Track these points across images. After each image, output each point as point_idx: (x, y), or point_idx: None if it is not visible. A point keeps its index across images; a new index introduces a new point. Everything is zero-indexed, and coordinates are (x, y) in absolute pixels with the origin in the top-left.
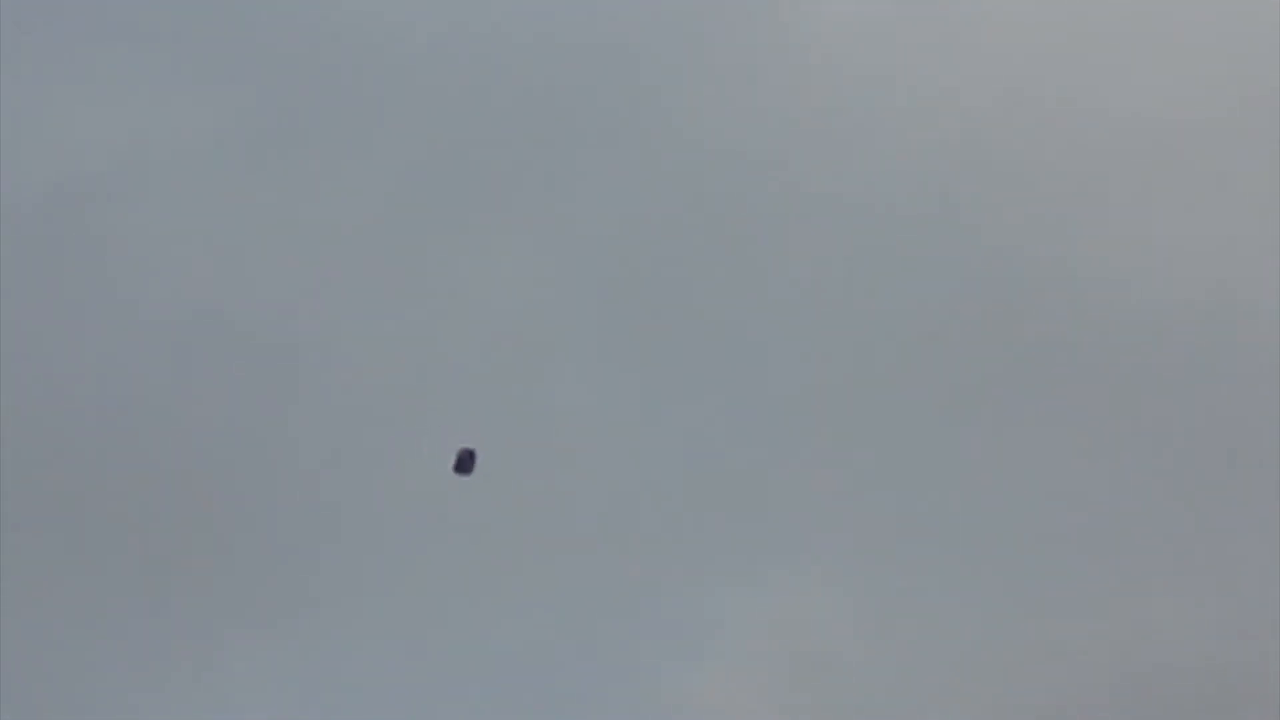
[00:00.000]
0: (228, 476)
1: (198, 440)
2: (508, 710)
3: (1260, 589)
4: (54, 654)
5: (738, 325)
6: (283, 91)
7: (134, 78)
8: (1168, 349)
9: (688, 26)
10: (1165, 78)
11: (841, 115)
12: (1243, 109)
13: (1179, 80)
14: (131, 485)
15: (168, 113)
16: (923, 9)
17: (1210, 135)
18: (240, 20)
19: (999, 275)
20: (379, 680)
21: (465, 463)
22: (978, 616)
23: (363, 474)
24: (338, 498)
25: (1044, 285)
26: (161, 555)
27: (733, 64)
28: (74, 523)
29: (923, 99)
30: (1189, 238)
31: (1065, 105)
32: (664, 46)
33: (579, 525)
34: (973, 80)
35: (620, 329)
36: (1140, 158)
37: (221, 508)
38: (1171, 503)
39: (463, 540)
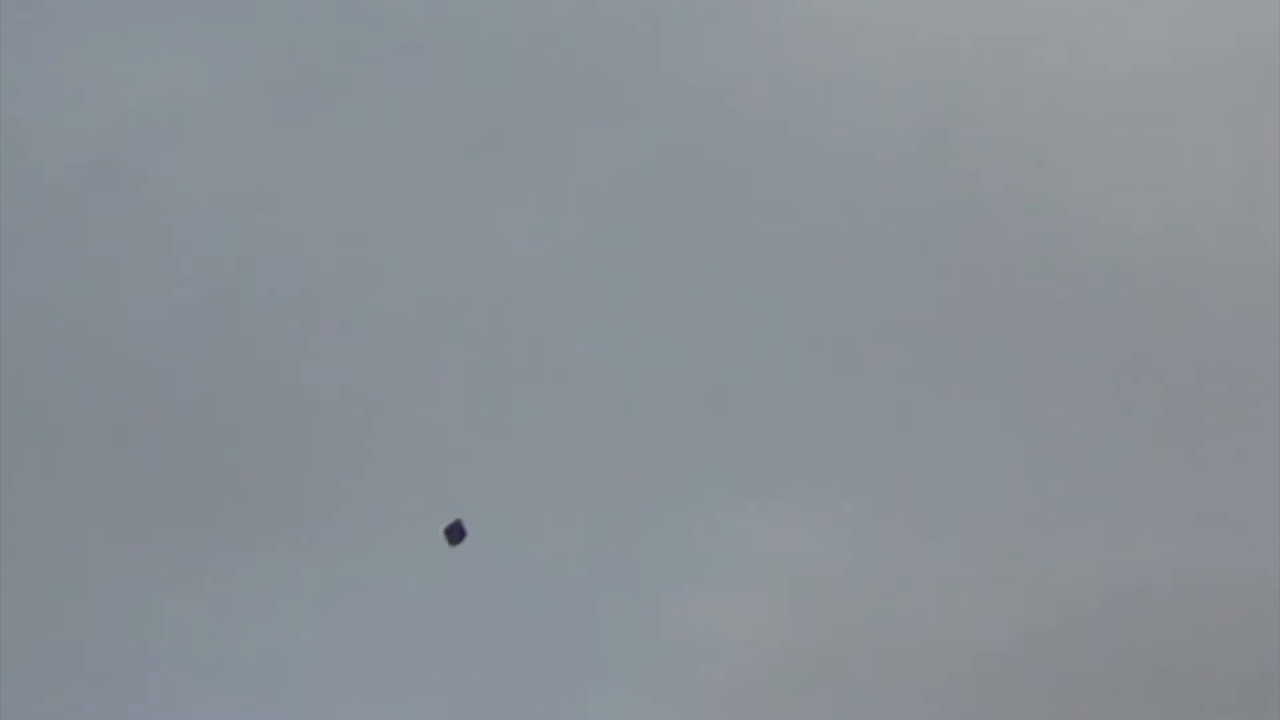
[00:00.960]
0: (256, 407)
1: (231, 373)
2: (512, 631)
3: (1236, 512)
4: (83, 575)
5: (736, 265)
6: (311, 48)
7: (170, 37)
8: (1149, 283)
9: None
10: (1159, 21)
11: (838, 60)
12: (1241, 53)
13: (1174, 24)
14: (165, 416)
15: (201, 69)
16: None
17: (1199, 79)
18: None
19: (986, 213)
20: (386, 602)
21: (454, 533)
22: (967, 539)
23: (382, 406)
24: (359, 428)
25: (1029, 223)
26: (192, 483)
27: (729, 12)
28: (110, 453)
29: (912, 43)
30: (1172, 182)
31: (1057, 47)
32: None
33: (587, 456)
34: (962, 25)
35: (627, 273)
36: (1129, 101)
37: (250, 438)
38: (1152, 429)
39: (473, 471)
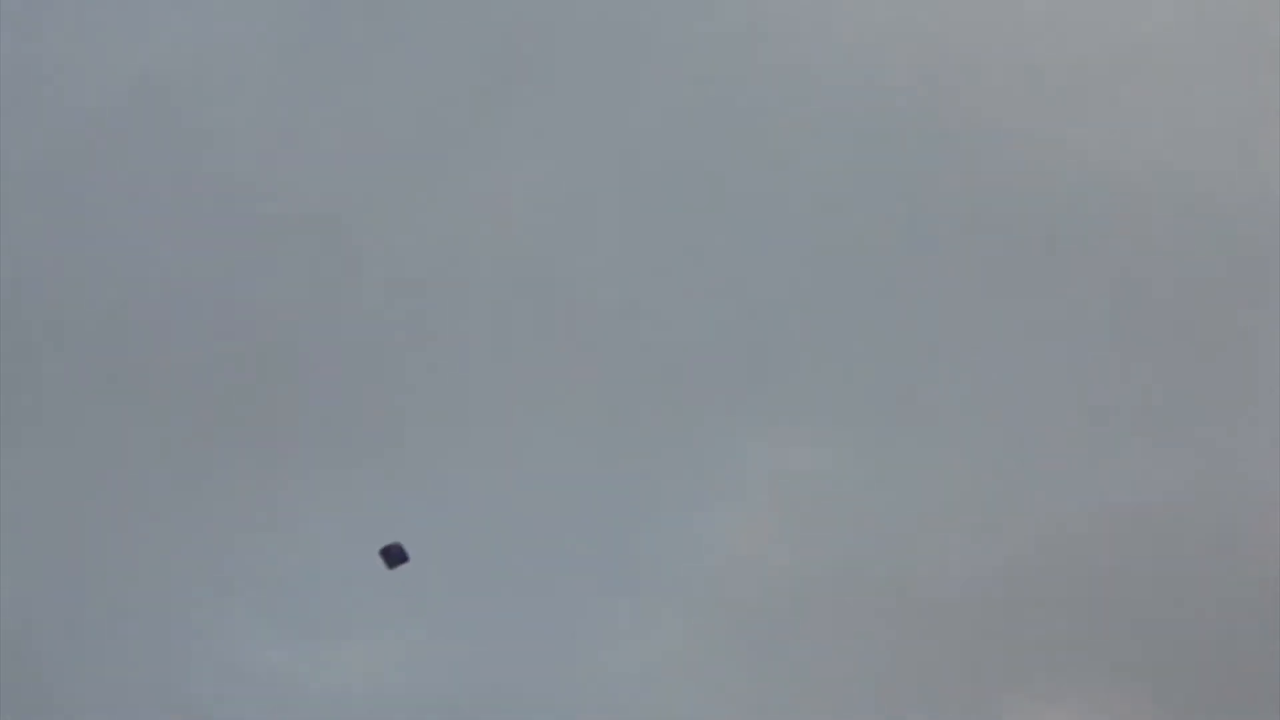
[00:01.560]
0: (284, 335)
1: (259, 301)
2: (531, 549)
3: (1227, 437)
4: (118, 495)
5: (745, 205)
6: None
7: None
8: (1144, 213)
9: None
10: None
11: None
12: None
13: None
14: (197, 340)
15: (234, 10)
16: None
17: (1193, 21)
18: None
19: (985, 149)
20: (410, 522)
21: (394, 556)
22: (964, 463)
23: (406, 333)
24: (385, 354)
25: (1028, 158)
26: (221, 404)
27: None
28: (145, 375)
29: None
30: (1166, 116)
31: None
32: None
33: (604, 386)
34: None
35: (641, 211)
36: (1125, 44)
37: (280, 363)
38: (1146, 357)
39: (493, 398)
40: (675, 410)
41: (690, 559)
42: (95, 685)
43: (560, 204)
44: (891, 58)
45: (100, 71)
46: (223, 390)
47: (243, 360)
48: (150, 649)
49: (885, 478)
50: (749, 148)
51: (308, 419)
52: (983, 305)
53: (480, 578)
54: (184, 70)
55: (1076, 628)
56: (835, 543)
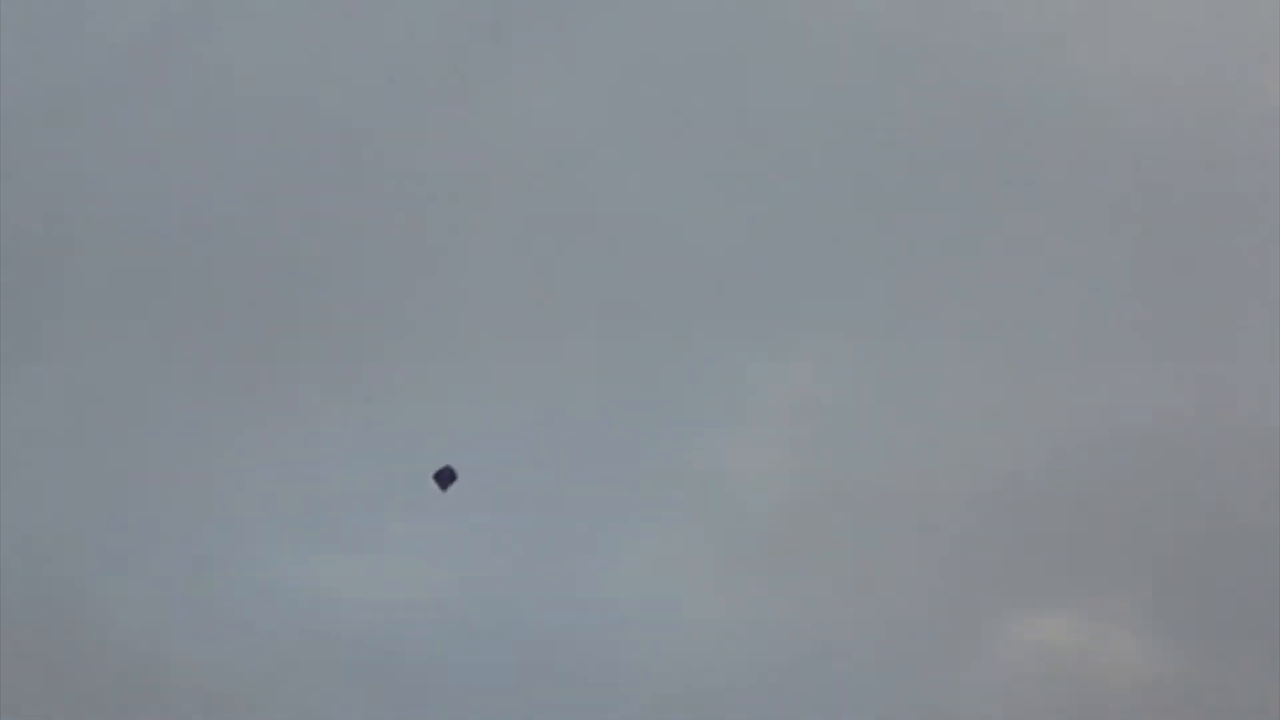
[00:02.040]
0: (312, 256)
1: (287, 227)
2: (549, 467)
3: (1229, 356)
4: (161, 414)
5: (753, 132)
6: None
7: None
8: (1148, 132)
9: None
10: None
11: None
12: None
13: None
14: (228, 264)
15: None
16: None
17: None
18: None
19: (988, 71)
20: (430, 438)
21: (444, 478)
22: (969, 382)
23: (425, 256)
24: (404, 276)
25: (1031, 81)
26: (252, 325)
27: None
28: (187, 301)
29: None
30: (1165, 32)
31: None
32: None
33: (621, 304)
34: None
35: (653, 139)
36: None
37: (306, 284)
38: (1151, 277)
39: (511, 320)
40: (683, 330)
41: (697, 474)
42: (129, 599)
43: (572, 128)
44: None
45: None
46: (249, 308)
47: (268, 278)
48: (182, 563)
49: (887, 396)
50: (755, 70)
51: (331, 336)
52: (984, 229)
53: (495, 492)
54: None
55: (1075, 540)
56: (838, 459)
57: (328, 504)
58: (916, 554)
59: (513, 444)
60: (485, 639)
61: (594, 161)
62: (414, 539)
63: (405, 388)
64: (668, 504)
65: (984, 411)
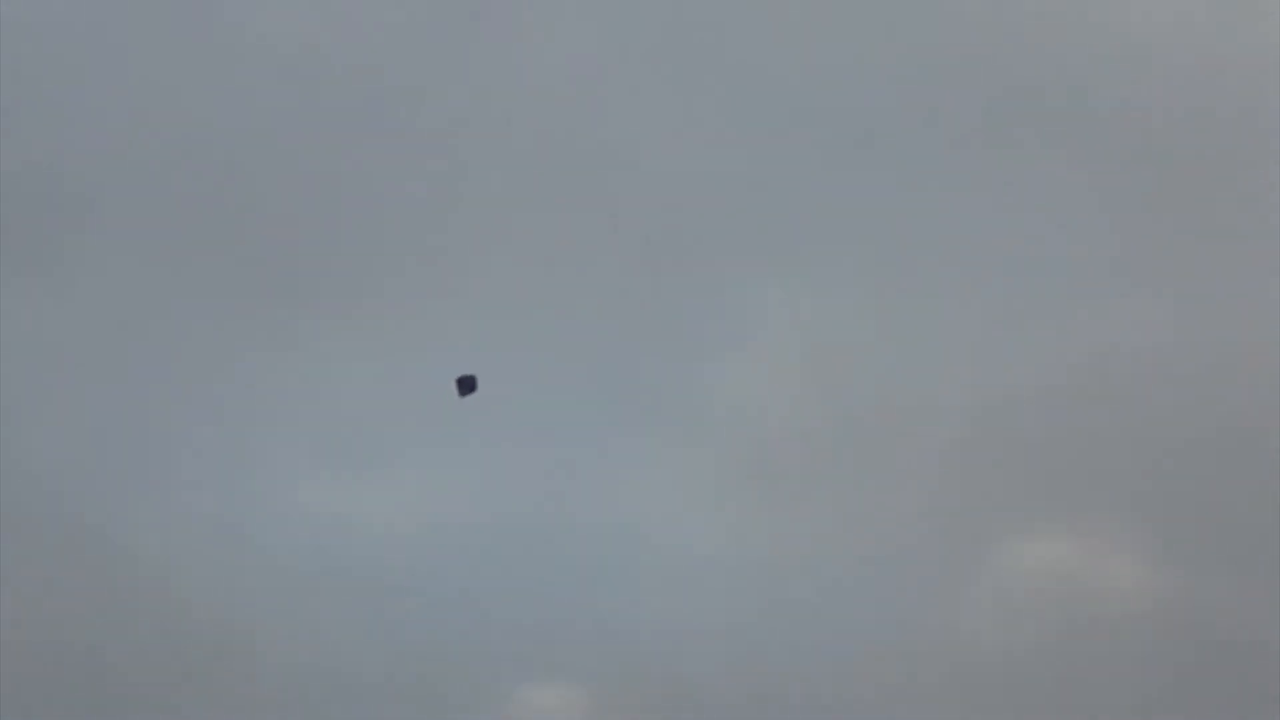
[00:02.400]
0: (327, 195)
1: (306, 166)
2: (559, 393)
3: (1220, 289)
4: (182, 343)
5: (763, 72)
6: None
7: None
8: (1156, 85)
9: None
10: None
11: None
12: None
13: None
14: (250, 201)
15: None
16: None
17: None
18: None
19: (995, 15)
20: (444, 363)
21: (466, 385)
22: (968, 314)
23: (439, 193)
24: (419, 211)
25: (1034, 22)
26: (274, 260)
27: None
28: (202, 231)
29: None
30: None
31: None
32: None
33: (629, 240)
34: None
35: (666, 75)
36: None
37: (324, 222)
38: (1144, 211)
39: (525, 252)
40: (691, 261)
41: (704, 398)
42: (151, 523)
43: (584, 63)
44: None
45: None
46: (271, 241)
47: (289, 210)
48: (203, 488)
49: (888, 324)
50: (765, 8)
51: (350, 265)
52: (980, 164)
53: (508, 419)
54: None
55: (1070, 464)
56: (841, 384)
57: (345, 431)
58: (916, 476)
59: (525, 372)
60: (499, 560)
61: (605, 96)
62: (429, 464)
63: (422, 317)
64: (675, 427)
65: (981, 338)
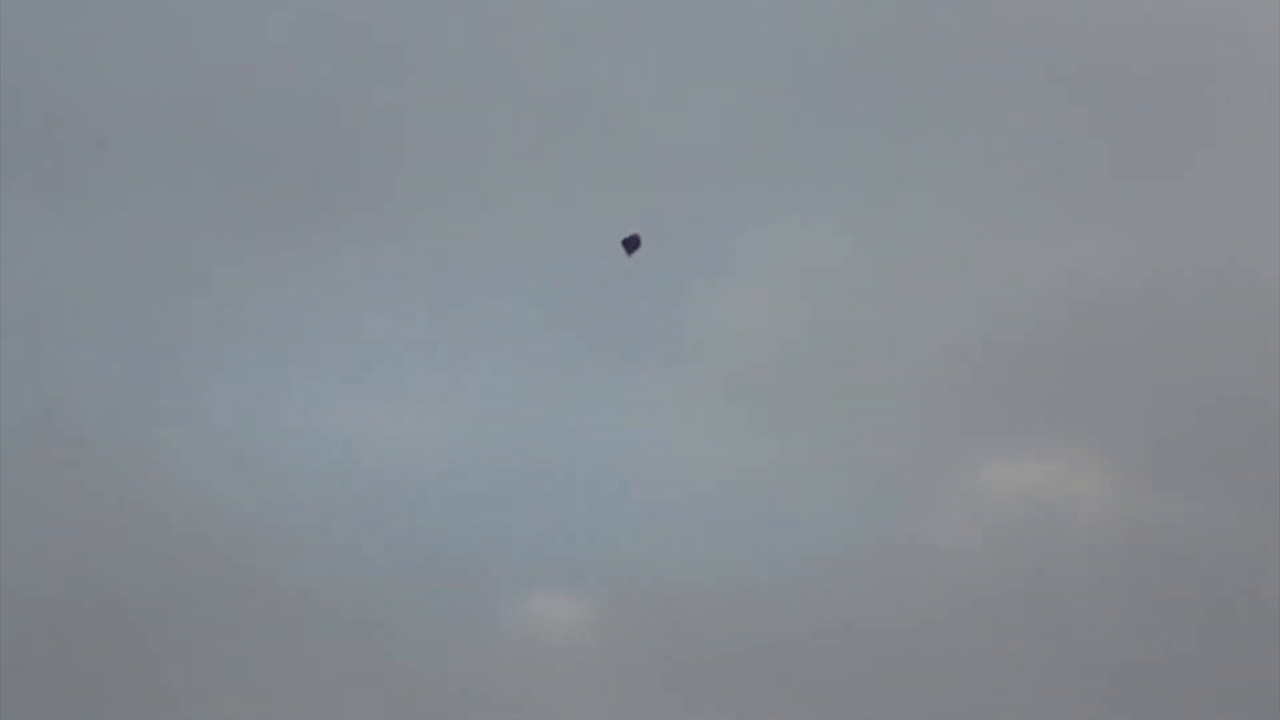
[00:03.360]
0: (341, 135)
1: (323, 109)
2: (557, 323)
3: (1189, 223)
4: (204, 277)
5: (756, 21)
6: None
7: None
8: (1111, 46)
9: None
10: None
11: None
12: None
13: None
14: (272, 138)
15: None
16: None
17: None
18: None
19: None
20: (449, 300)
21: (631, 244)
22: (949, 248)
23: (452, 131)
24: (428, 152)
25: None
26: (292, 198)
27: None
28: (226, 167)
29: None
30: None
31: None
32: None
33: (623, 174)
34: None
35: (662, 17)
36: None
37: (342, 152)
38: (1113, 149)
39: (524, 190)
40: (683, 200)
41: (697, 329)
42: (180, 446)
43: (581, 14)
44: None
45: None
46: (291, 179)
47: (307, 149)
48: (227, 412)
49: (871, 257)
50: None
51: (365, 203)
52: (959, 104)
53: (513, 347)
54: None
55: (1046, 390)
56: (826, 314)
57: (361, 359)
58: (899, 401)
59: (528, 304)
60: (504, 479)
61: (599, 44)
62: (440, 391)
63: (432, 256)
64: (669, 353)
65: (961, 270)
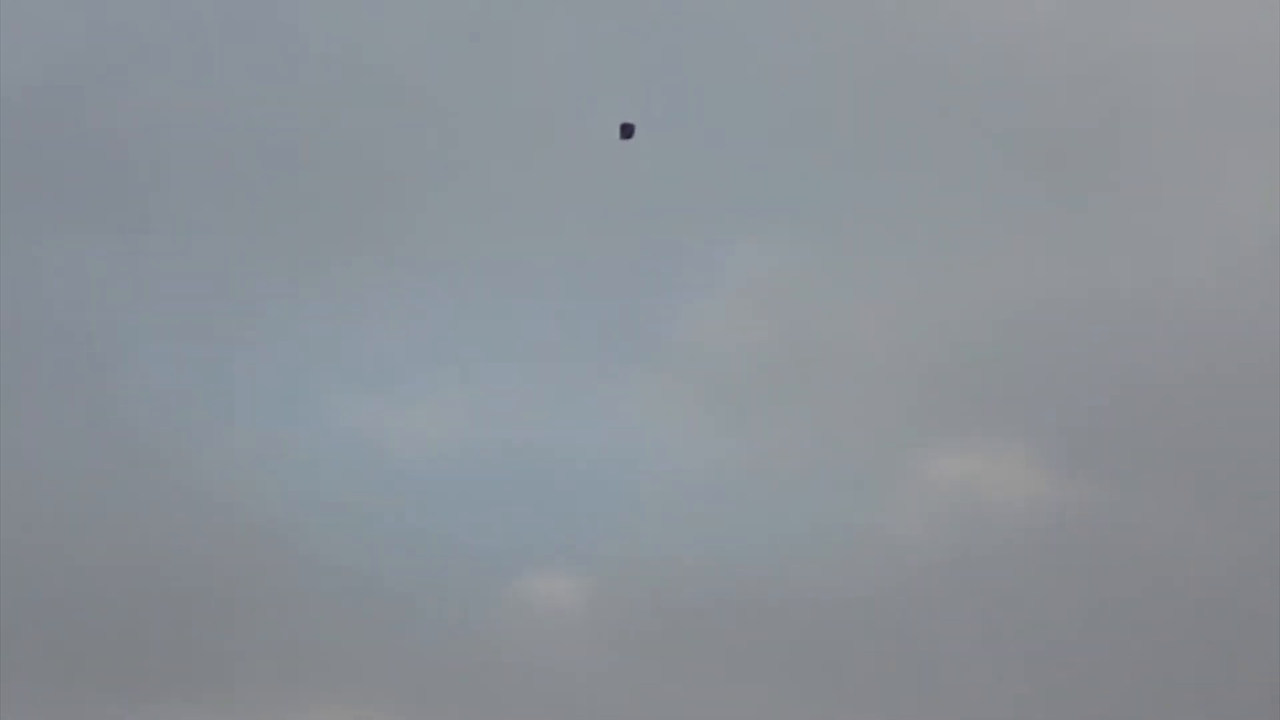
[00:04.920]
0: (368, 164)
1: (354, 140)
2: (554, 330)
3: (1118, 245)
4: (242, 292)
5: (730, 63)
6: None
7: None
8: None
9: None
10: None
11: None
12: None
13: None
14: (302, 175)
15: None
16: None
17: None
18: None
19: (916, 32)
20: (461, 311)
21: (626, 131)
22: (899, 269)
23: (458, 167)
24: (441, 181)
25: (948, 36)
26: (320, 223)
27: None
28: (264, 200)
29: None
30: None
31: None
32: None
33: (618, 195)
34: None
35: (650, 65)
36: None
37: (363, 187)
38: (1048, 181)
39: (526, 216)
40: (668, 221)
41: (679, 337)
42: (222, 444)
43: (580, 60)
44: None
45: None
46: (321, 209)
47: (333, 185)
48: (266, 414)
49: (833, 274)
50: (729, 11)
51: (384, 232)
52: (906, 149)
53: (516, 355)
54: None
55: (986, 389)
56: (793, 324)
57: (381, 365)
58: (853, 403)
59: (531, 319)
60: (507, 471)
61: (598, 90)
62: (448, 393)
63: (443, 272)
64: (656, 361)
65: (906, 288)
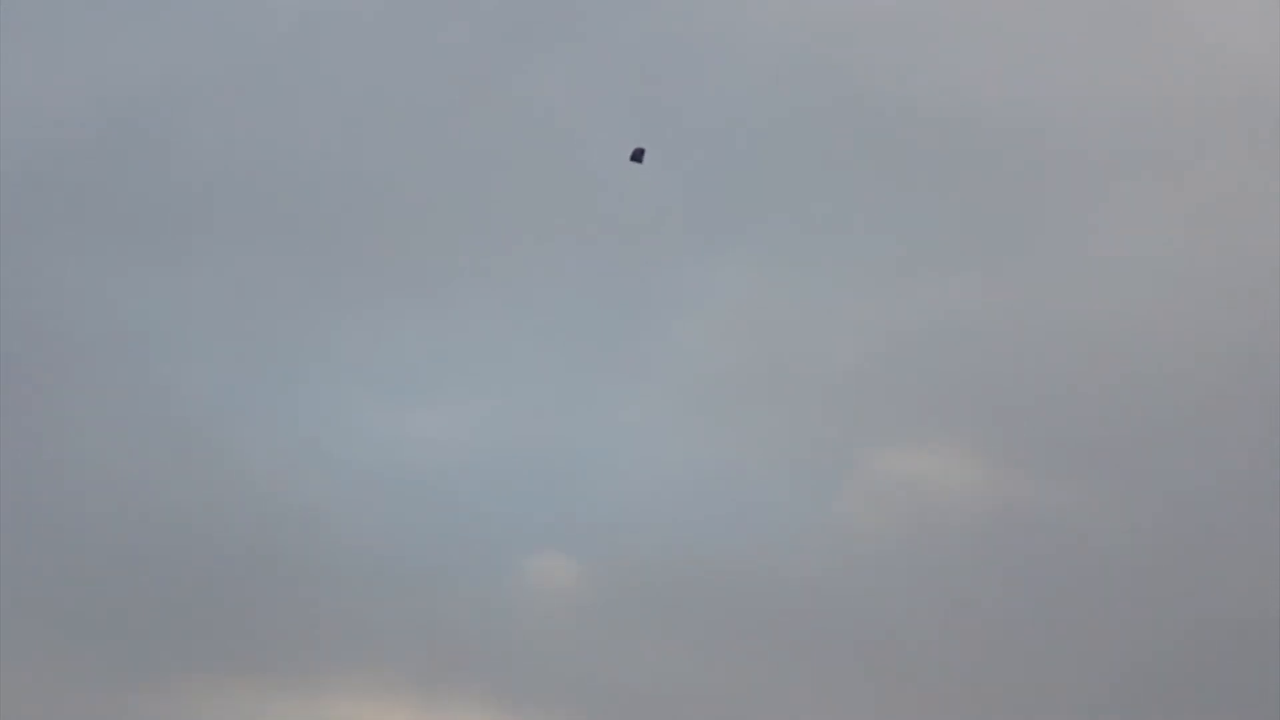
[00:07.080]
0: (390, 204)
1: (379, 184)
2: (549, 348)
3: (1016, 270)
4: (289, 311)
5: (704, 121)
6: None
7: None
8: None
9: None
10: None
11: None
12: None
13: None
14: (338, 211)
15: None
16: None
17: None
18: None
19: (860, 95)
20: (469, 329)
21: (636, 157)
22: (854, 291)
23: (471, 213)
24: (457, 222)
25: (890, 94)
26: (349, 250)
27: None
28: (301, 229)
29: None
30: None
31: None
32: None
33: (609, 227)
34: None
35: (636, 113)
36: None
37: (390, 224)
38: (964, 223)
39: (531, 250)
40: (653, 252)
41: (668, 352)
42: (263, 446)
43: (575, 110)
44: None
45: None
46: (348, 240)
47: (363, 221)
48: (303, 420)
49: (796, 298)
50: (704, 76)
51: (408, 259)
52: (855, 191)
53: (522, 369)
54: None
55: (929, 392)
56: (763, 342)
57: (406, 375)
58: (814, 409)
59: (535, 334)
60: (514, 469)
61: (589, 137)
62: (463, 399)
63: (461, 293)
64: (645, 374)
65: (863, 307)
